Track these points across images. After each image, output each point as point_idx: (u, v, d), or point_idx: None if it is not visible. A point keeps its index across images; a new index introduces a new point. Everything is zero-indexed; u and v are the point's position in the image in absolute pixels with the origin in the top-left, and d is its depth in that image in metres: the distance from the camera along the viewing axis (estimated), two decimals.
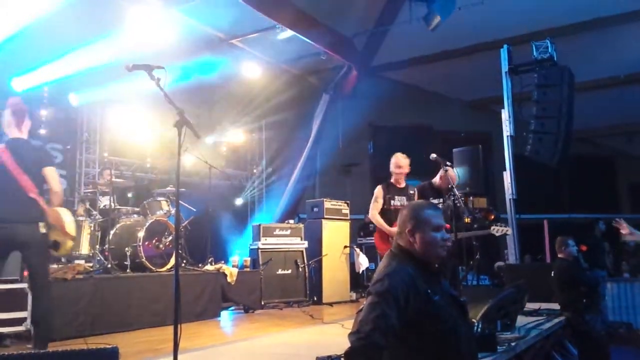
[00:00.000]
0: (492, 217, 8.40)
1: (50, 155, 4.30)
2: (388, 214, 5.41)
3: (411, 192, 5.62)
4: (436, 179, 5.72)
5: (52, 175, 4.06)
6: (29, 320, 4.64)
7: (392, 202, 5.47)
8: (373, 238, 5.53)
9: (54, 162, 4.14)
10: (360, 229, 9.98)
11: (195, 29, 7.90)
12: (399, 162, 5.58)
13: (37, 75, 7.04)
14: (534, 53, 8.32)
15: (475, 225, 7.20)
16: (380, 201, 5.45)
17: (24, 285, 4.69)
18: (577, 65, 8.41)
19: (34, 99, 7.12)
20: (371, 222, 5.92)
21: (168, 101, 3.08)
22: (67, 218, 4.05)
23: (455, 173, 5.88)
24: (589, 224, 9.08)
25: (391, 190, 5.53)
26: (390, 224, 5.25)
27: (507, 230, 5.48)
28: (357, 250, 8.57)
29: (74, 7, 6.27)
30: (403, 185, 5.61)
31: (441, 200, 5.77)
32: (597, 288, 6.05)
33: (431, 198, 5.77)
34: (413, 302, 2.30)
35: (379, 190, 5.53)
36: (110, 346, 2.35)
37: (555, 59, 8.27)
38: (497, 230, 5.45)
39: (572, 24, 9.43)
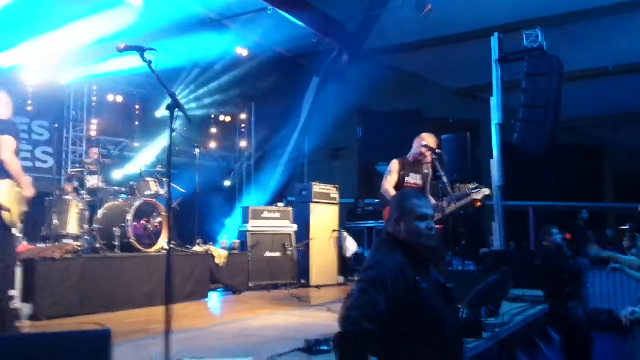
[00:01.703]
0: (479, 203, 8.47)
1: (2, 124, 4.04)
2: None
3: (426, 171, 5.37)
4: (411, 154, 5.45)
5: (2, 143, 3.90)
6: (17, 300, 4.63)
7: (406, 178, 5.24)
8: (382, 215, 5.25)
9: (6, 132, 3.93)
10: (349, 213, 10.04)
11: (186, 8, 7.80)
12: (429, 141, 5.25)
13: (22, 52, 6.93)
14: (524, 42, 8.35)
15: (462, 212, 7.26)
16: (395, 176, 5.19)
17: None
18: (566, 54, 8.45)
19: (19, 77, 7.02)
20: (380, 198, 5.46)
21: (160, 83, 3.08)
22: (1, 186, 3.87)
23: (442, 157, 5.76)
24: (573, 212, 9.24)
25: (407, 167, 5.28)
26: None
27: (486, 191, 5.39)
28: (345, 234, 8.63)
29: None
30: (417, 164, 5.32)
31: (419, 176, 5.53)
32: (580, 276, 6.18)
33: (411, 173, 5.69)
34: (401, 289, 2.34)
35: (394, 165, 5.25)
36: (102, 328, 2.36)
37: (545, 48, 8.30)
38: (477, 193, 5.30)
39: (562, 13, 9.47)
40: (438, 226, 5.14)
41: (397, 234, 2.53)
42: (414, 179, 5.29)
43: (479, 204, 8.51)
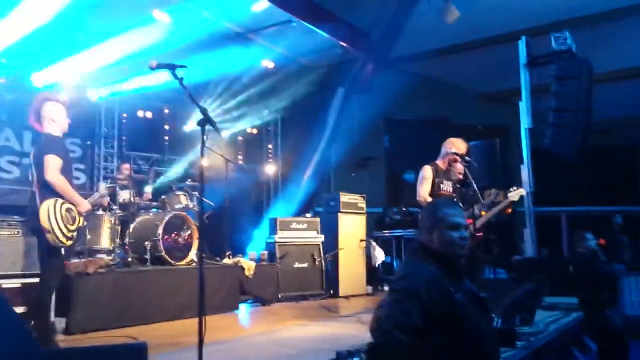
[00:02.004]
0: (510, 210, 8.34)
1: (48, 142, 4.06)
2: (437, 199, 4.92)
3: (454, 178, 5.28)
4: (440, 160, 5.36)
5: (46, 163, 3.92)
6: (52, 314, 4.73)
7: (441, 186, 5.10)
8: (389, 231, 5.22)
9: (50, 150, 3.96)
10: (377, 223, 9.99)
11: (213, 23, 7.92)
12: (462, 148, 5.22)
13: (56, 70, 7.12)
14: (553, 44, 8.22)
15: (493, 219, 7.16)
16: (430, 182, 5.02)
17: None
18: (596, 56, 8.29)
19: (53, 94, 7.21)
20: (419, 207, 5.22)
21: (191, 100, 3.13)
22: (42, 208, 3.88)
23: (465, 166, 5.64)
24: (607, 217, 9.01)
25: (440, 174, 5.14)
26: None
27: (521, 192, 5.30)
28: (374, 243, 8.58)
29: (95, 3, 6.33)
30: (447, 171, 5.25)
31: (450, 183, 5.43)
32: (615, 282, 6.03)
33: (444, 180, 5.41)
34: (435, 299, 2.31)
35: (428, 171, 5.08)
36: (137, 341, 2.39)
37: (574, 50, 8.16)
38: (513, 195, 5.25)
39: (591, 14, 9.28)
40: (479, 234, 5.09)
41: (430, 244, 2.51)
42: (446, 187, 5.16)
43: (509, 210, 8.41)
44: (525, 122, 8.35)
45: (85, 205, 4.10)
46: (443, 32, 9.33)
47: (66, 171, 4.09)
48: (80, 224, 4.10)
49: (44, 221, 3.79)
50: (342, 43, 9.42)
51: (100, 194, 4.75)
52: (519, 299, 4.08)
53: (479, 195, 5.38)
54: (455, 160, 5.19)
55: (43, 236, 3.86)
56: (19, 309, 4.53)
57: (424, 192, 5.02)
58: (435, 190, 5.05)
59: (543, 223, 8.46)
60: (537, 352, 3.94)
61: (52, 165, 3.92)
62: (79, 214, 4.07)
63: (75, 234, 4.01)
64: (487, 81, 11.39)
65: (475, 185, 5.40)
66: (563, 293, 5.84)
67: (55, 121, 4.10)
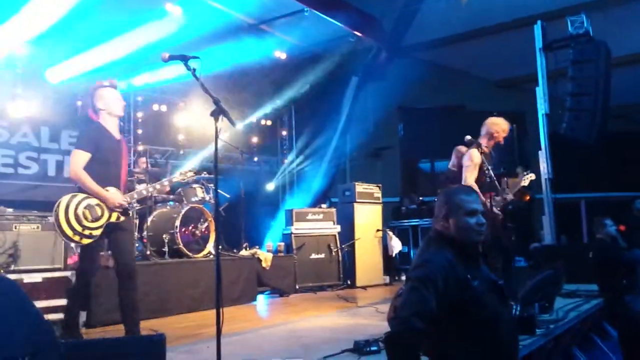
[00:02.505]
0: (528, 197, 8.27)
1: (79, 135, 4.04)
2: (485, 185, 4.59)
3: (495, 160, 4.96)
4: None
5: (70, 158, 3.94)
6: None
7: (486, 172, 4.67)
8: (405, 221, 5.04)
9: (77, 144, 3.91)
10: (393, 212, 9.96)
11: (224, 15, 7.91)
12: (507, 130, 5.00)
13: (71, 66, 7.17)
14: (569, 28, 8.08)
15: (510, 206, 7.09)
16: (477, 169, 4.65)
17: (68, 273, 4.85)
18: (614, 39, 8.14)
19: (68, 91, 7.28)
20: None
21: (204, 90, 3.12)
22: (58, 203, 3.79)
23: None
24: (627, 202, 8.86)
25: (486, 157, 4.73)
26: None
27: (531, 176, 5.08)
28: (390, 233, 8.57)
29: None
30: (489, 153, 4.94)
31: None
32: (635, 268, 5.94)
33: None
34: (452, 287, 2.30)
35: (476, 156, 4.66)
36: (157, 333, 2.42)
37: (591, 33, 8.02)
38: (525, 180, 5.03)
39: None
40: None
41: (446, 231, 2.49)
42: (490, 171, 4.71)
43: (528, 197, 8.34)
44: (542, 107, 8.25)
45: (113, 200, 3.84)
46: (457, 19, 9.23)
47: (105, 162, 3.90)
48: (113, 220, 3.89)
49: (54, 217, 3.76)
50: (354, 32, 9.35)
51: (161, 183, 4.46)
52: (538, 286, 4.05)
53: (496, 182, 5.31)
54: (500, 140, 4.95)
55: None
56: (41, 303, 4.61)
57: (471, 179, 4.65)
58: (481, 177, 4.66)
59: (562, 210, 8.37)
60: (556, 340, 3.90)
61: (74, 160, 3.84)
62: (109, 209, 3.87)
63: (95, 231, 3.83)
64: (502, 67, 11.26)
65: (492, 173, 5.34)
66: (583, 280, 5.78)
67: (103, 108, 3.98)
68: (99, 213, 3.86)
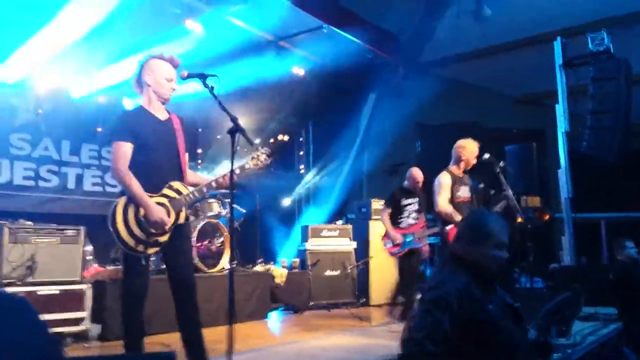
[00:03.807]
0: (547, 216, 8.14)
1: (114, 123, 3.42)
2: (455, 207, 4.95)
3: (469, 182, 5.25)
4: (405, 182, 6.07)
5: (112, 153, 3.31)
6: (88, 320, 4.84)
7: (458, 193, 5.03)
8: (444, 235, 5.01)
9: (114, 135, 3.31)
10: None
11: (244, 32, 8.00)
12: (476, 151, 5.18)
13: (93, 81, 7.30)
14: (590, 45, 8.01)
15: (529, 226, 7.00)
16: (449, 191, 4.96)
17: (83, 286, 4.89)
18: (636, 55, 8.04)
19: (90, 105, 7.40)
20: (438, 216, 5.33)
21: (222, 108, 3.13)
22: (114, 206, 3.24)
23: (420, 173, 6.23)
24: None
25: (456, 180, 5.06)
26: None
27: (503, 203, 5.09)
28: None
29: (129, 15, 6.46)
30: (462, 175, 5.21)
31: (415, 199, 6.07)
32: None
33: (403, 199, 6.01)
34: (467, 310, 2.27)
35: (446, 178, 4.99)
36: (167, 349, 2.41)
37: (612, 50, 7.93)
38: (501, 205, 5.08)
39: (628, 13, 9.00)
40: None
41: (466, 256, 2.45)
42: (463, 193, 5.08)
43: (547, 217, 8.22)
44: (562, 125, 8.15)
45: (153, 213, 3.15)
46: (475, 35, 9.21)
47: (152, 150, 3.26)
48: (181, 221, 3.34)
49: (111, 225, 3.17)
50: (372, 48, 9.38)
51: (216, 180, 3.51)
52: (555, 309, 3.96)
53: (515, 202, 5.27)
54: (470, 163, 5.15)
55: None
56: (56, 315, 4.66)
57: (443, 201, 4.93)
58: (453, 198, 4.96)
59: (582, 230, 8.22)
60: None
61: (114, 156, 3.25)
62: (175, 208, 3.30)
63: (162, 237, 3.25)
64: (521, 83, 11.17)
65: (511, 191, 5.30)
66: (602, 302, 5.65)
67: (150, 84, 3.37)
68: (144, 223, 3.25)
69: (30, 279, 4.66)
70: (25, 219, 5.08)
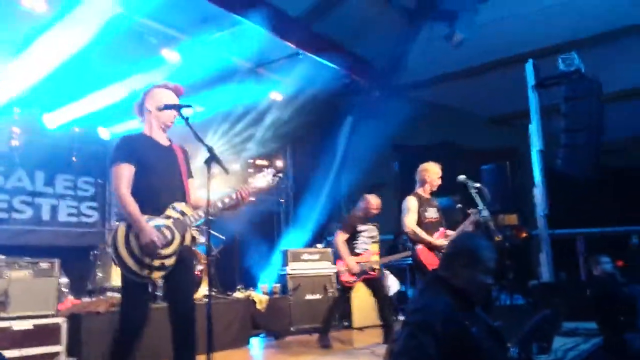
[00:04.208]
0: (524, 234, 8.24)
1: (115, 147, 3.37)
2: (423, 227, 5.20)
3: (436, 203, 5.51)
4: (359, 210, 6.32)
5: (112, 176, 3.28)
6: (64, 355, 4.72)
7: (425, 214, 5.27)
8: (414, 254, 5.24)
9: (114, 159, 3.28)
10: (389, 250, 9.88)
11: (221, 59, 8.05)
12: (439, 172, 5.47)
13: (68, 111, 7.25)
14: (561, 66, 8.20)
15: (507, 244, 7.07)
16: (416, 213, 5.20)
17: (58, 319, 4.79)
18: (605, 75, 8.25)
19: (65, 135, 7.34)
20: (407, 236, 5.59)
21: (197, 139, 3.16)
22: (114, 231, 3.20)
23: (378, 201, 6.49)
24: (624, 237, 8.84)
25: (423, 202, 5.33)
26: None
27: (474, 212, 5.25)
28: (387, 272, 8.49)
29: (106, 45, 6.47)
30: (429, 196, 5.48)
31: (369, 225, 6.42)
32: (634, 305, 5.87)
33: (359, 224, 6.22)
34: (451, 333, 2.27)
35: (413, 202, 5.25)
36: None
37: (582, 70, 8.13)
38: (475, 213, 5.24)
39: (597, 34, 9.27)
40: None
41: (451, 279, 2.45)
42: (431, 214, 5.32)
43: (524, 234, 8.30)
44: (536, 144, 8.29)
45: (146, 235, 3.06)
46: (448, 58, 9.38)
47: (154, 172, 3.25)
48: (187, 242, 3.30)
49: (112, 250, 3.11)
50: (348, 73, 9.50)
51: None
52: (536, 327, 3.99)
53: (491, 222, 5.35)
54: (434, 185, 5.42)
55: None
56: (32, 350, 4.55)
57: (410, 222, 5.17)
58: (420, 220, 5.20)
59: (559, 246, 8.32)
60: None
61: (115, 177, 3.21)
62: (180, 229, 3.25)
63: (168, 260, 3.18)
64: (495, 104, 11.37)
65: (487, 212, 5.38)
66: (582, 318, 5.70)
67: (151, 110, 3.40)
68: (169, 236, 3.20)
69: (3, 314, 4.55)
70: None
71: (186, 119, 3.26)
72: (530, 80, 8.50)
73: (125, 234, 3.13)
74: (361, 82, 10.10)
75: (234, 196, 3.44)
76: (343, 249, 6.08)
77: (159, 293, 5.58)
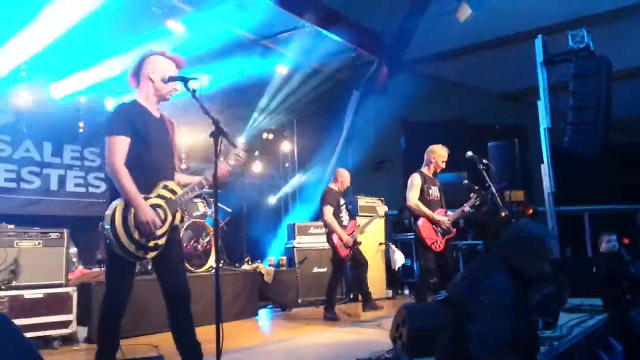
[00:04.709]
0: (531, 210, 8.24)
1: (108, 118, 3.20)
2: (427, 204, 5.48)
3: (438, 184, 5.74)
4: (336, 184, 6.43)
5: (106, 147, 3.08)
6: (74, 323, 4.79)
7: (429, 191, 5.54)
8: (416, 229, 5.52)
9: (108, 130, 3.09)
10: (395, 225, 9.92)
11: (226, 32, 7.96)
12: (445, 156, 5.68)
13: (74, 81, 7.21)
14: (570, 42, 8.10)
15: (513, 220, 7.09)
16: (419, 189, 5.48)
17: (69, 289, 4.84)
18: (615, 52, 8.15)
19: (71, 106, 7.31)
20: (409, 211, 5.88)
21: (204, 111, 3.10)
22: (109, 209, 3.03)
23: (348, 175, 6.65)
24: (630, 214, 8.83)
25: (427, 180, 5.58)
26: None
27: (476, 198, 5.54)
28: (393, 246, 8.54)
29: (111, 15, 6.40)
30: (433, 176, 5.73)
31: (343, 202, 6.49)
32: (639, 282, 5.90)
33: (340, 198, 6.46)
34: (521, 314, 2.35)
35: (417, 178, 5.54)
36: (156, 355, 2.40)
37: (592, 47, 8.04)
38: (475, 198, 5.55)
39: (608, 11, 9.13)
40: (448, 236, 5.55)
41: (516, 263, 2.51)
42: (435, 192, 5.62)
43: (530, 211, 8.30)
44: (544, 121, 8.23)
45: (144, 213, 2.97)
46: (457, 33, 9.26)
47: (148, 145, 3.12)
48: (177, 221, 3.22)
49: (110, 231, 2.95)
50: (354, 47, 9.40)
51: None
52: (541, 303, 4.01)
53: (497, 198, 5.41)
54: (439, 166, 5.66)
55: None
56: (42, 319, 4.61)
57: (413, 197, 5.47)
58: (424, 196, 5.50)
59: (566, 223, 8.34)
60: (562, 356, 3.86)
61: (109, 150, 3.04)
62: (171, 209, 3.17)
63: (161, 239, 3.12)
64: (504, 80, 11.27)
65: (494, 188, 5.42)
66: (587, 294, 5.73)
67: (153, 79, 3.23)
68: (163, 216, 3.13)
69: (14, 283, 4.60)
70: (7, 222, 5.00)
71: (192, 92, 3.13)
72: (539, 56, 8.39)
73: (122, 213, 3.00)
74: (368, 56, 9.98)
75: (204, 182, 3.37)
76: (336, 224, 6.22)
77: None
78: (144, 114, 3.20)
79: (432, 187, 5.60)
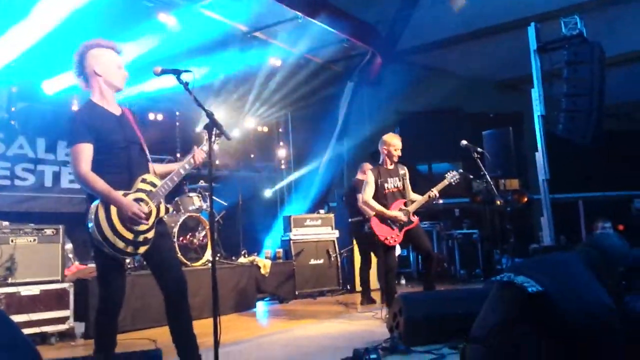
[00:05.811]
0: (526, 198, 8.27)
1: (67, 127, 3.05)
2: (383, 199, 5.32)
3: (402, 172, 5.51)
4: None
5: (71, 157, 2.99)
6: (71, 319, 4.80)
7: (385, 185, 5.38)
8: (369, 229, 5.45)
9: (70, 138, 2.98)
10: None
11: (219, 24, 7.92)
12: (399, 144, 5.53)
13: (66, 77, 7.17)
14: (563, 30, 8.10)
15: (508, 208, 7.12)
16: (373, 186, 5.34)
17: (65, 285, 4.84)
18: (607, 39, 8.16)
19: (64, 102, 7.28)
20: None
21: (197, 104, 3.09)
22: (91, 208, 2.95)
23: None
24: (625, 201, 8.89)
25: (382, 174, 5.42)
26: (387, 209, 5.29)
27: (454, 174, 5.44)
28: None
29: (102, 10, 6.36)
30: (392, 166, 5.52)
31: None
32: (636, 268, 5.93)
33: (388, 178, 5.73)
34: None
35: (370, 176, 5.41)
36: (153, 348, 2.40)
37: (584, 35, 8.04)
38: (447, 179, 5.43)
39: None
40: (408, 227, 5.36)
41: (604, 275, 2.62)
42: (393, 184, 5.43)
43: (525, 199, 8.34)
44: (538, 109, 8.24)
45: (127, 208, 2.91)
46: (450, 22, 9.25)
47: (113, 147, 3.02)
48: (162, 214, 3.17)
49: (95, 229, 2.87)
50: (348, 38, 9.36)
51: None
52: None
53: (492, 186, 5.42)
54: (393, 155, 5.48)
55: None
56: (39, 315, 4.61)
57: (366, 196, 5.33)
58: (380, 191, 5.34)
59: (560, 210, 8.36)
60: None
61: (74, 159, 2.93)
62: (154, 200, 3.11)
63: (149, 233, 3.06)
64: (498, 69, 11.26)
65: (488, 177, 5.44)
66: None
67: (100, 74, 3.09)
68: (146, 209, 3.04)
69: (11, 280, 4.59)
70: (2, 219, 4.99)
71: (185, 84, 3.10)
72: (533, 44, 8.39)
73: (105, 213, 2.91)
74: (362, 47, 9.95)
75: (192, 161, 3.32)
76: (373, 202, 5.38)
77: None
78: (102, 114, 3.07)
79: (390, 179, 5.39)
